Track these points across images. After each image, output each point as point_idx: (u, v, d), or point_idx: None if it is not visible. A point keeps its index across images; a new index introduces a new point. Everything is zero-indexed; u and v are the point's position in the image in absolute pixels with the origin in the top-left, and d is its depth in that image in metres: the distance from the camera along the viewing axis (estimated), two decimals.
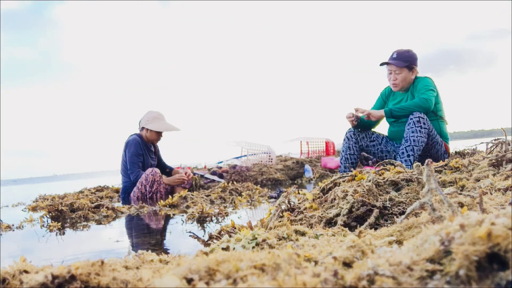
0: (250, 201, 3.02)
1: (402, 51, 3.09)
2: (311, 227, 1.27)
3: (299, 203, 1.56)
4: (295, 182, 4.99)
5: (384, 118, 3.25)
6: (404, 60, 3.04)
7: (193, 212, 2.28)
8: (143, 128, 4.00)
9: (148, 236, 1.89)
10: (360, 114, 3.05)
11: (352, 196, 1.32)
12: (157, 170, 3.74)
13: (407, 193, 1.43)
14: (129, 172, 3.81)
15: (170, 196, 2.99)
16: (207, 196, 3.24)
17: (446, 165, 1.89)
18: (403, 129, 2.96)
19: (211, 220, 2.17)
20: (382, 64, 3.15)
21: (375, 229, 1.15)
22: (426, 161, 0.87)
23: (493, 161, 1.69)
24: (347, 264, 0.62)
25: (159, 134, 4.02)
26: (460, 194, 1.14)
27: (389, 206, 1.31)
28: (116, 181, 5.80)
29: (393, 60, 3.08)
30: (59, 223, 2.39)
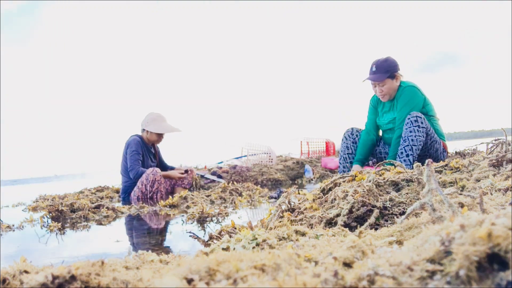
0: (250, 201, 3.02)
1: (380, 62, 3.00)
2: (312, 227, 1.27)
3: (299, 203, 1.57)
4: (295, 182, 4.99)
5: (382, 127, 3.24)
6: (384, 71, 2.97)
7: (193, 212, 2.28)
8: (143, 129, 4.02)
9: (148, 236, 1.89)
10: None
11: (352, 196, 1.32)
12: (158, 170, 3.75)
13: (407, 194, 1.43)
14: (129, 169, 3.82)
15: (170, 196, 2.99)
16: (208, 196, 3.24)
17: (446, 165, 1.89)
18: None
19: (211, 220, 2.17)
20: (364, 81, 3.07)
21: (375, 229, 1.15)
22: (427, 161, 0.87)
23: (494, 161, 1.69)
24: (348, 265, 0.62)
25: (159, 136, 4.04)
26: (461, 194, 1.14)
27: (389, 206, 1.31)
28: (116, 181, 5.80)
29: (373, 74, 3.01)
30: (59, 223, 2.39)
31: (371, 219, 1.21)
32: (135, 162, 3.81)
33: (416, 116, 2.77)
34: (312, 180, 4.94)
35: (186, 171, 4.09)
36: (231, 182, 3.78)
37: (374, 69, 3.02)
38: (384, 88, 3.01)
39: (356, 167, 3.05)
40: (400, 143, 2.82)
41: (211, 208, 2.41)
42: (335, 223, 1.26)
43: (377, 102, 3.27)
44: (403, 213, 1.26)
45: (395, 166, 1.80)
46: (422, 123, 2.78)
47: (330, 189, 1.65)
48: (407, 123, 2.80)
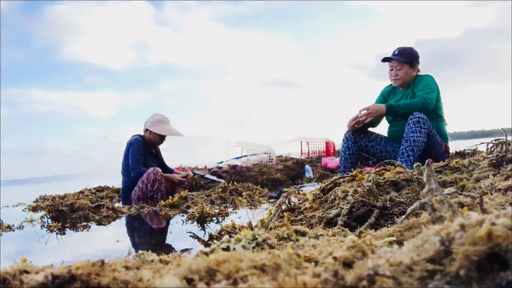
0: (250, 201, 3.02)
1: (403, 48, 3.11)
2: (312, 227, 1.27)
3: (299, 203, 1.56)
4: (296, 182, 4.99)
5: (384, 118, 3.24)
6: (406, 56, 3.07)
7: (193, 212, 2.28)
8: (147, 129, 4.02)
9: (148, 236, 1.89)
10: (363, 118, 3.01)
11: (353, 196, 1.32)
12: (159, 169, 3.75)
13: (407, 194, 1.43)
14: (130, 168, 3.82)
15: (170, 196, 2.99)
16: (208, 196, 3.24)
17: (446, 165, 1.89)
18: (402, 129, 2.96)
19: (212, 220, 2.17)
20: (384, 60, 3.17)
21: (376, 229, 1.15)
22: (427, 161, 0.87)
23: (494, 161, 1.69)
24: (348, 265, 0.62)
25: (162, 138, 4.05)
26: (461, 194, 1.14)
27: (390, 206, 1.31)
28: (116, 181, 5.81)
29: (394, 56, 3.10)
30: (59, 223, 2.39)
31: (371, 219, 1.21)
32: (137, 161, 3.81)
33: (419, 117, 2.78)
34: (312, 180, 4.94)
35: (186, 177, 4.07)
36: (231, 182, 3.78)
37: (396, 52, 3.13)
38: (400, 72, 3.10)
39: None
40: (402, 143, 2.83)
41: (211, 208, 2.41)
42: (335, 223, 1.26)
43: (388, 93, 3.34)
44: (403, 213, 1.26)
45: (395, 166, 1.80)
46: (424, 124, 2.79)
47: (330, 189, 1.64)
48: (409, 123, 2.81)
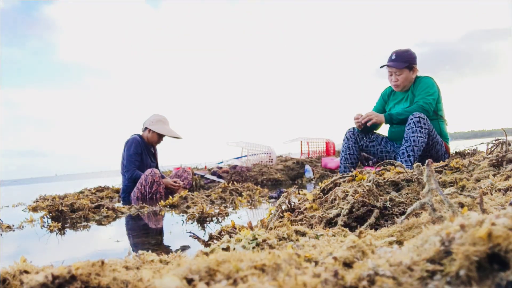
0: (250, 202, 3.02)
1: (401, 52, 3.09)
2: (312, 228, 1.27)
3: (299, 204, 1.56)
4: (296, 182, 4.99)
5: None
6: (404, 61, 3.05)
7: (193, 212, 2.28)
8: (146, 128, 4.03)
9: (148, 236, 1.89)
10: (364, 120, 3.04)
11: (353, 196, 1.32)
12: (157, 171, 3.75)
13: (407, 194, 1.43)
14: (124, 170, 3.83)
15: (170, 196, 2.99)
16: (208, 196, 3.24)
17: (446, 165, 1.89)
18: (403, 129, 2.96)
19: (212, 220, 2.17)
20: (382, 67, 3.16)
21: (376, 229, 1.15)
22: (427, 161, 0.87)
23: (494, 161, 1.69)
24: (348, 265, 0.62)
25: (160, 137, 4.06)
26: (461, 194, 1.14)
27: (390, 206, 1.31)
28: (116, 181, 5.81)
29: (392, 61, 3.08)
30: (59, 224, 2.39)
31: (371, 219, 1.21)
32: (131, 164, 3.83)
33: (419, 117, 2.78)
34: (312, 180, 4.94)
35: (176, 182, 4.00)
36: (231, 182, 3.78)
37: (394, 57, 3.11)
38: (400, 77, 3.09)
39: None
40: (402, 143, 2.84)
41: (211, 208, 2.40)
42: (335, 223, 1.26)
43: (388, 95, 3.34)
44: (403, 213, 1.26)
45: (395, 166, 1.80)
46: (424, 124, 2.79)
47: (330, 189, 1.64)
48: (410, 123, 2.81)
